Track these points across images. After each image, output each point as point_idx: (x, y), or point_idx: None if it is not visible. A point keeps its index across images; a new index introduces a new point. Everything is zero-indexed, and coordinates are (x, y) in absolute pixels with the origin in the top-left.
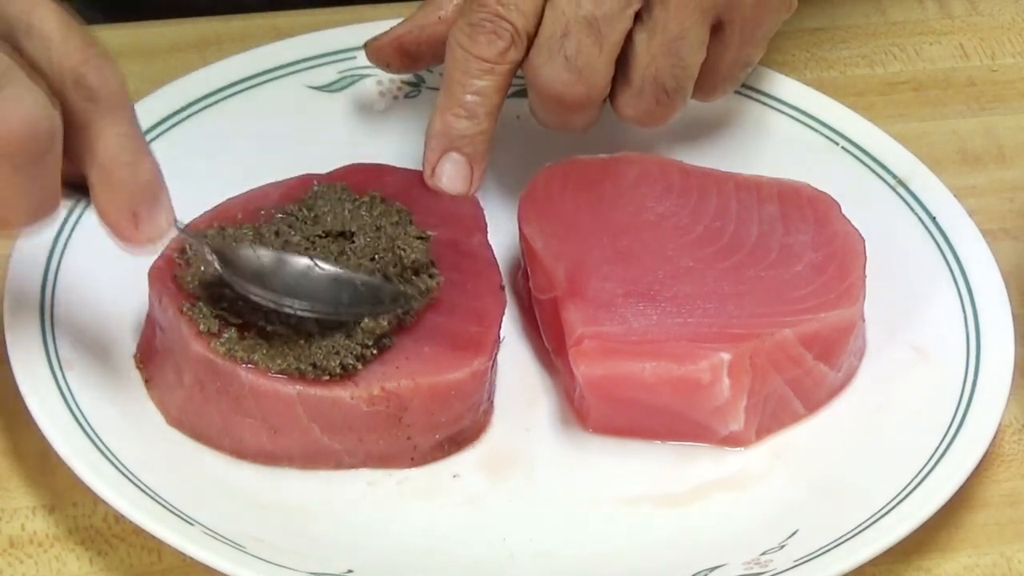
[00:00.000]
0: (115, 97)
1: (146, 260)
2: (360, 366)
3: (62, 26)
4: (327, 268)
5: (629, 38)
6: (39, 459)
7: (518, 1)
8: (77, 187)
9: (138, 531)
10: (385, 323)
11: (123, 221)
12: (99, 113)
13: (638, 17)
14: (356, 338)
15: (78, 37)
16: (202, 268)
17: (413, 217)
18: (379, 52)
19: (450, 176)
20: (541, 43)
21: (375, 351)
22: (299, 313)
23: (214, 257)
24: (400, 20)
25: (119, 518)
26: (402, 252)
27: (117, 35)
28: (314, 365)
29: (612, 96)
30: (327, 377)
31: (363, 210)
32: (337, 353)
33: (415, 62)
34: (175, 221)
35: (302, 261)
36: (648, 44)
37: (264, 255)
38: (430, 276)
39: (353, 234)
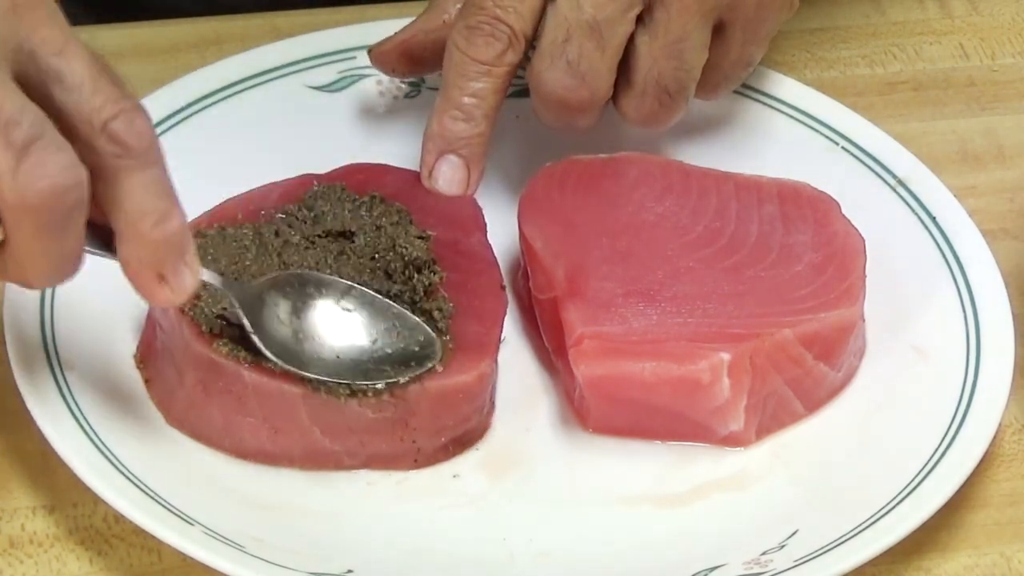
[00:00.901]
0: (146, 150)
1: None
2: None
3: (93, 74)
4: (356, 309)
5: (631, 41)
6: (39, 459)
7: (516, 4)
8: (101, 233)
9: (138, 531)
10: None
11: (147, 278)
12: (129, 167)
13: (639, 20)
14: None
15: (109, 86)
16: (222, 309)
17: (413, 217)
18: (383, 58)
19: (447, 178)
20: (543, 48)
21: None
22: (326, 380)
23: (242, 315)
24: (402, 21)
25: (119, 518)
26: (403, 250)
27: (117, 35)
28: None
29: (615, 98)
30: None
31: (363, 210)
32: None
33: (420, 67)
34: (200, 274)
35: (328, 311)
36: (650, 47)
37: (288, 311)
38: (432, 272)
39: (353, 233)
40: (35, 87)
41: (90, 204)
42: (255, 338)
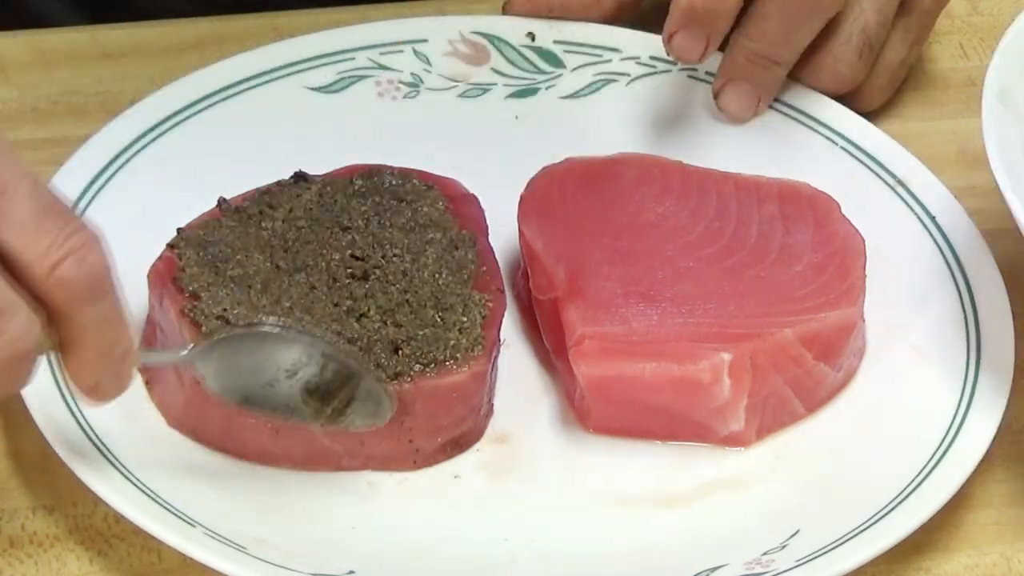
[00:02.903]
0: (91, 285)
1: (146, 261)
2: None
3: (36, 215)
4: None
5: None
6: (39, 459)
7: None
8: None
9: (138, 531)
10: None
11: (86, 387)
12: (74, 305)
13: None
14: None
15: (54, 224)
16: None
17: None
18: None
19: (684, 47)
20: None
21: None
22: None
23: (202, 375)
24: (402, 21)
25: (119, 518)
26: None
27: (117, 35)
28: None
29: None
30: None
31: (363, 207)
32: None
33: None
34: (130, 383)
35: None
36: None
37: (248, 361)
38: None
39: (350, 229)
40: None
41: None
42: (214, 390)
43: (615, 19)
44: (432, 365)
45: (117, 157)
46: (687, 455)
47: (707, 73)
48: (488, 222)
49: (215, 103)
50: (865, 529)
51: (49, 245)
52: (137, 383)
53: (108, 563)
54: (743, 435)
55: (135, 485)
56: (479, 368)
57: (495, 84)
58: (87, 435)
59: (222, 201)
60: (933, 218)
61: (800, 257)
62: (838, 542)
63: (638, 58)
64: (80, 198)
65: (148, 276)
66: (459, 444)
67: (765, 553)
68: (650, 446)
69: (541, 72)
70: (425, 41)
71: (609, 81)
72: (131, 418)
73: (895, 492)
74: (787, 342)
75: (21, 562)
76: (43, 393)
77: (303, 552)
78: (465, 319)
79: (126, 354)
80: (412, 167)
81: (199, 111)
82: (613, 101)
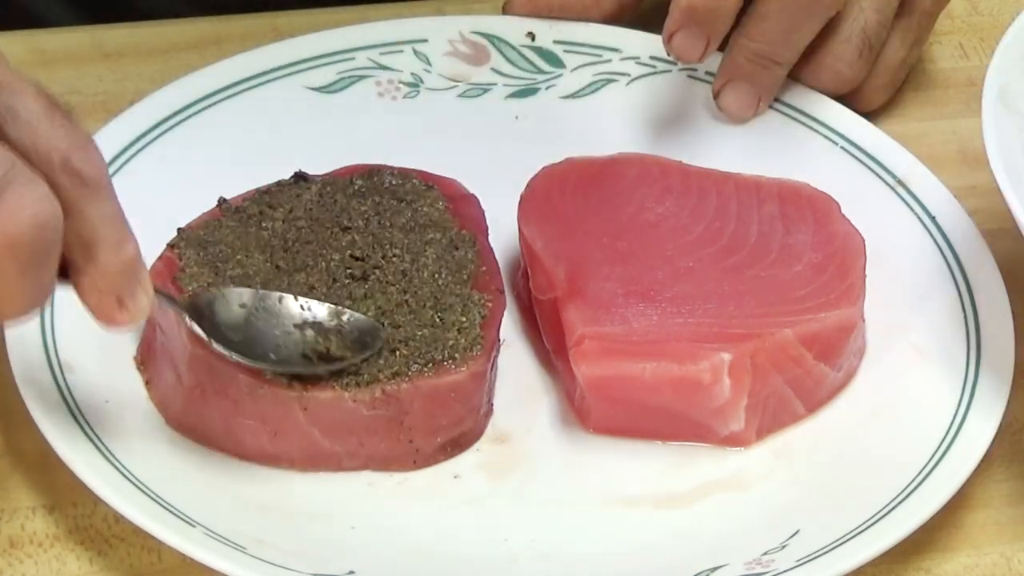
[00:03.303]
0: (100, 180)
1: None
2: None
3: (47, 111)
4: (313, 313)
5: None
6: (39, 459)
7: None
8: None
9: (138, 531)
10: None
11: (107, 304)
12: (87, 198)
13: None
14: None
15: (63, 121)
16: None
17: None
18: None
19: (684, 47)
20: None
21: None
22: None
23: (192, 322)
24: (402, 21)
25: (119, 518)
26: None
27: (117, 35)
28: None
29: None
30: (321, 380)
31: (363, 207)
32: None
33: None
34: (153, 295)
35: (287, 309)
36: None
37: (241, 309)
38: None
39: (350, 229)
40: None
41: None
42: (211, 340)
43: (615, 19)
44: (431, 365)
45: (117, 157)
46: (687, 455)
47: (707, 73)
48: (488, 222)
49: (215, 103)
50: (865, 529)
51: (59, 140)
52: (137, 383)
53: (108, 563)
54: (743, 435)
55: (135, 485)
56: (478, 368)
57: (495, 84)
58: (87, 435)
59: (222, 201)
60: (933, 218)
61: (800, 257)
62: (838, 542)
63: (638, 58)
64: None
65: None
66: (459, 444)
67: (765, 553)
68: (650, 446)
69: (541, 72)
70: (425, 41)
71: (609, 81)
72: (131, 418)
73: (895, 492)
74: (787, 342)
75: (21, 562)
76: (43, 393)
77: (303, 552)
78: (464, 319)
79: (136, 261)
80: (412, 167)
81: (199, 111)
82: (613, 101)
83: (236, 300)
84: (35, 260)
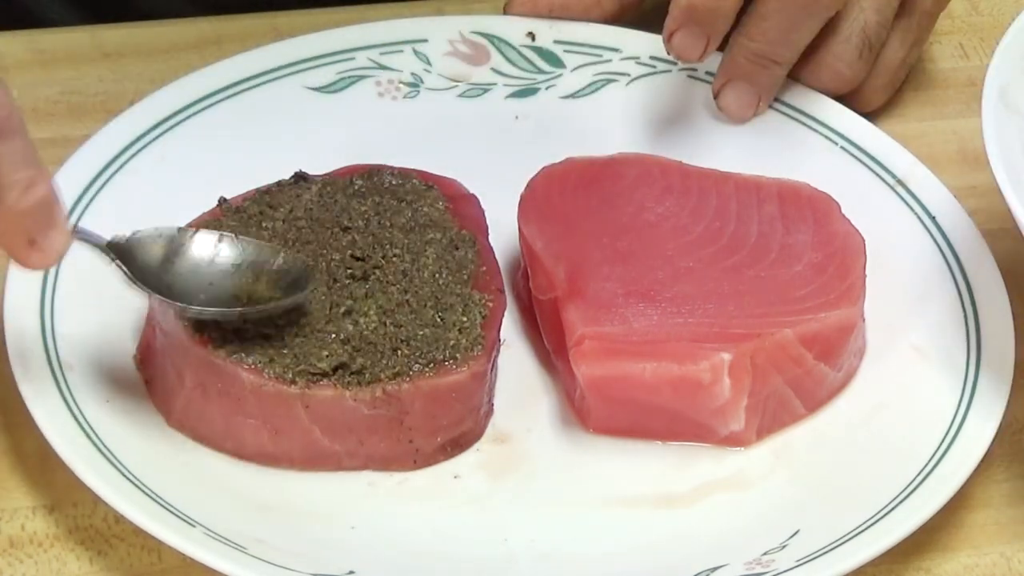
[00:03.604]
0: (3, 121)
1: None
2: (353, 365)
3: None
4: (231, 250)
5: None
6: (39, 459)
7: None
8: None
9: (138, 531)
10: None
11: (19, 247)
12: None
13: None
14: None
15: None
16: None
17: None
18: None
19: (684, 45)
20: None
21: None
22: (204, 316)
23: (117, 261)
24: (402, 21)
25: (119, 518)
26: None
27: (117, 35)
28: (307, 369)
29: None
30: (322, 379)
31: (363, 207)
32: (330, 355)
33: None
34: (72, 231)
35: (205, 244)
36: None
37: (162, 247)
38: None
39: (350, 229)
40: None
41: None
42: (134, 281)
43: (617, 19)
44: (432, 365)
45: (117, 157)
46: (687, 455)
47: (707, 73)
48: (488, 222)
49: (215, 103)
50: (865, 529)
51: None
52: (137, 382)
53: (108, 563)
54: (743, 435)
55: (135, 485)
56: (479, 368)
57: (495, 84)
58: (87, 435)
59: (222, 201)
60: (933, 218)
61: (800, 257)
62: (838, 542)
63: (638, 58)
64: (80, 198)
65: None
66: (459, 444)
67: (765, 553)
68: (650, 446)
69: (541, 72)
70: (425, 41)
71: (609, 81)
72: (132, 419)
73: (895, 492)
74: (787, 342)
75: (21, 562)
76: (43, 393)
77: (303, 552)
78: (465, 319)
79: (49, 201)
80: (412, 167)
81: (199, 111)
82: (613, 101)
83: (157, 240)
84: None
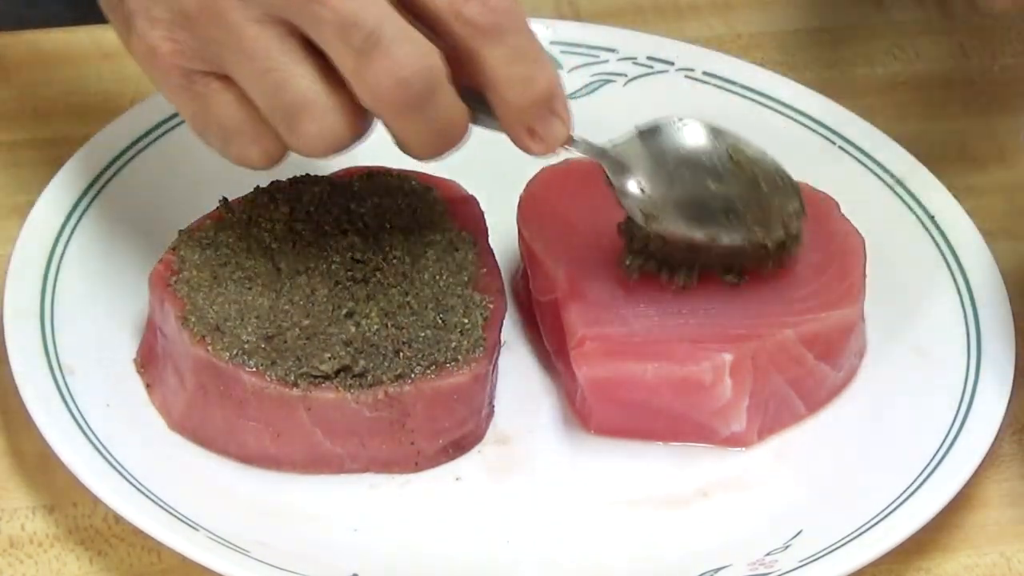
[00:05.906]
0: (500, 23)
1: (147, 262)
2: (356, 367)
3: None
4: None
5: None
6: (39, 459)
7: None
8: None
9: (138, 531)
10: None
11: (520, 135)
12: (482, 41)
13: None
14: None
15: None
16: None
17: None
18: None
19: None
20: None
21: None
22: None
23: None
24: None
25: (119, 518)
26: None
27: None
28: (309, 371)
29: None
30: (324, 381)
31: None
32: (332, 357)
33: None
34: (571, 129)
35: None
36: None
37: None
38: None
39: (350, 231)
40: None
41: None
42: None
43: None
44: (433, 367)
45: (117, 157)
46: (689, 456)
47: (705, 73)
48: (488, 223)
49: None
50: (868, 529)
51: None
52: (138, 386)
53: (108, 563)
54: (745, 435)
55: (139, 490)
56: (480, 370)
57: None
58: (88, 438)
59: (223, 202)
60: (933, 218)
61: (800, 257)
62: (841, 542)
63: (635, 58)
64: (80, 198)
65: (149, 279)
66: (460, 446)
67: (768, 554)
68: (652, 447)
69: None
70: None
71: (606, 81)
72: (133, 423)
73: (897, 492)
74: (788, 342)
75: (21, 562)
76: (45, 400)
77: (305, 555)
78: (466, 321)
79: (551, 94)
80: (412, 169)
81: None
82: (611, 101)
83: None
84: (413, 109)
